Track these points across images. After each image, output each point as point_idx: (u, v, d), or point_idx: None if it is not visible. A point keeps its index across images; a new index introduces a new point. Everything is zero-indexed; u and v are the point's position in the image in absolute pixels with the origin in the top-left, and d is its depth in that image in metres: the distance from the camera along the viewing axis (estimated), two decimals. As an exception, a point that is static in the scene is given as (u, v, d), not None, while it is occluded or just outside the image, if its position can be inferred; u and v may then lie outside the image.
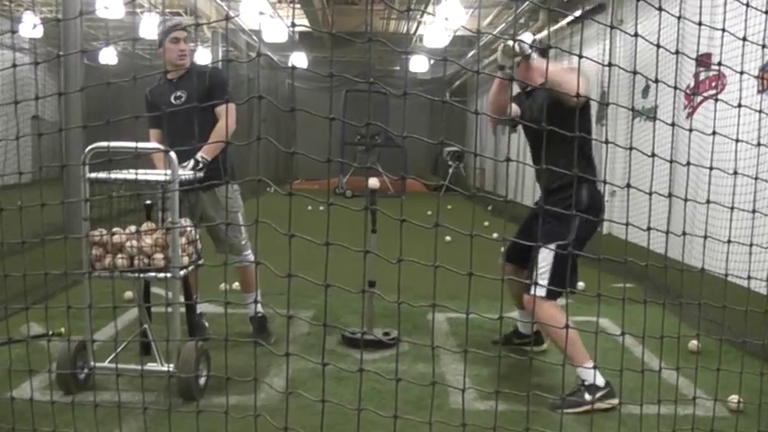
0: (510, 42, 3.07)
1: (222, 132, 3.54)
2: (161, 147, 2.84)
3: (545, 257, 3.11)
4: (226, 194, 3.60)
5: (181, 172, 3.15)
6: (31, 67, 2.31)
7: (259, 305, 3.92)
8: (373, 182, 3.75)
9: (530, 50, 3.14)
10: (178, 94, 3.72)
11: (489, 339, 3.94)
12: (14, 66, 2.25)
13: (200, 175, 3.41)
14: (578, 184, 3.03)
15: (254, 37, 12.47)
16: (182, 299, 3.25)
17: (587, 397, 3.00)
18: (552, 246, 3.06)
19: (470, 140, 16.58)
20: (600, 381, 3.02)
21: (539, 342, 3.80)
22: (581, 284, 5.02)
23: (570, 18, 8.41)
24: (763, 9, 2.39)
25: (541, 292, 3.07)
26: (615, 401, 2.96)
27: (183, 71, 3.76)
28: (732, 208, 2.41)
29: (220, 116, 3.66)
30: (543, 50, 3.27)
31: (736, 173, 2.39)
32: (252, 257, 3.88)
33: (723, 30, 2.27)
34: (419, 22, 12.34)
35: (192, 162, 3.49)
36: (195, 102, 3.47)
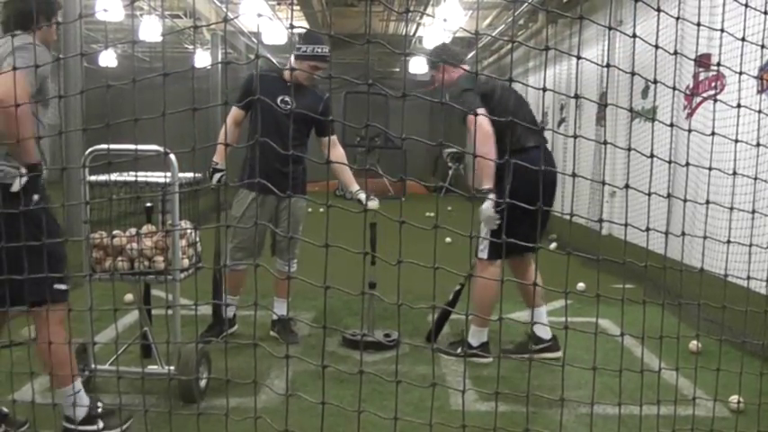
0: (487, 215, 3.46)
1: (343, 157, 4.01)
2: (160, 149, 2.84)
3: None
4: (304, 205, 3.97)
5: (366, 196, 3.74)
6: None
7: (283, 309, 3.93)
8: (373, 204, 3.74)
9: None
10: (287, 99, 3.80)
11: (491, 340, 3.91)
12: (14, 69, 2.26)
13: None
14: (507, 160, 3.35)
15: (254, 39, 12.47)
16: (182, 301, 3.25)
17: (458, 351, 3.64)
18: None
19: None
20: (474, 342, 3.62)
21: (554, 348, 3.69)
22: (581, 285, 5.02)
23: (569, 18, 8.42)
24: (762, 9, 2.40)
25: (483, 254, 3.52)
26: (488, 359, 3.58)
27: (298, 82, 3.84)
28: (732, 208, 2.41)
29: (331, 143, 3.87)
30: (446, 61, 3.69)
31: (735, 173, 2.39)
32: (295, 268, 3.97)
33: (722, 30, 2.27)
34: (418, 24, 12.34)
35: (363, 195, 3.84)
36: (301, 114, 3.64)
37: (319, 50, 3.76)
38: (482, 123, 3.36)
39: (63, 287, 2.50)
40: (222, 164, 3.83)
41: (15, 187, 2.42)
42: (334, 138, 3.84)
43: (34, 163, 2.46)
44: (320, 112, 3.82)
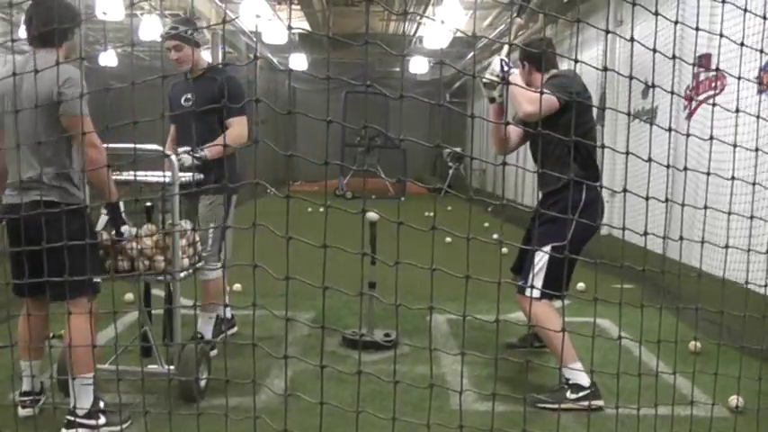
0: (485, 78, 3.17)
1: (230, 139, 3.41)
2: (159, 148, 2.86)
3: (540, 259, 3.14)
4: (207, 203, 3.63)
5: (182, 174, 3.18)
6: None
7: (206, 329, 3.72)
8: (372, 215, 3.67)
9: (508, 68, 3.13)
10: (189, 96, 3.67)
11: (490, 340, 3.91)
12: (14, 74, 2.26)
13: (195, 166, 3.33)
14: (576, 185, 2.94)
15: (254, 39, 12.47)
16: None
17: (569, 395, 3.07)
18: (547, 248, 3.08)
19: (470, 141, 16.58)
20: (584, 381, 3.07)
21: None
22: (581, 285, 5.03)
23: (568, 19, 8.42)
24: (762, 13, 2.40)
25: (536, 293, 3.09)
26: (599, 403, 3.03)
27: (200, 72, 3.69)
28: (729, 213, 2.42)
29: (231, 125, 3.57)
30: (530, 57, 3.32)
31: (734, 178, 2.40)
32: (211, 275, 3.60)
33: (720, 35, 2.28)
34: (418, 24, 12.35)
35: (188, 155, 3.36)
36: (201, 105, 3.43)
37: (170, 29, 3.54)
38: (547, 98, 2.86)
39: (97, 281, 2.74)
40: None
41: (99, 227, 2.86)
42: (236, 120, 3.59)
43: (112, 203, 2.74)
44: (218, 93, 3.49)
